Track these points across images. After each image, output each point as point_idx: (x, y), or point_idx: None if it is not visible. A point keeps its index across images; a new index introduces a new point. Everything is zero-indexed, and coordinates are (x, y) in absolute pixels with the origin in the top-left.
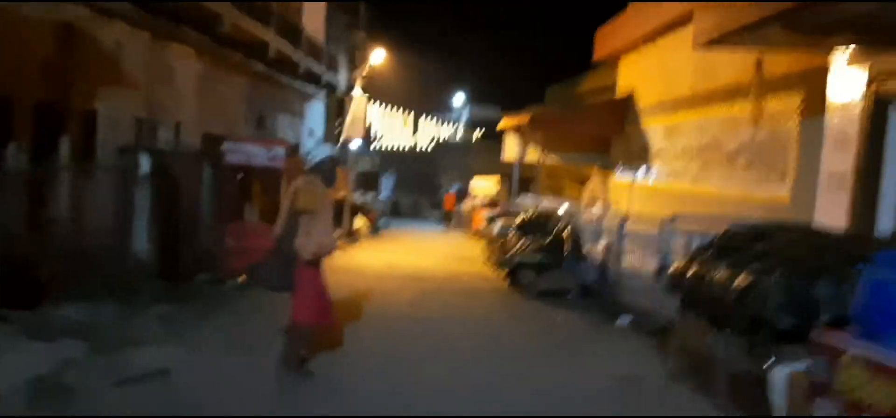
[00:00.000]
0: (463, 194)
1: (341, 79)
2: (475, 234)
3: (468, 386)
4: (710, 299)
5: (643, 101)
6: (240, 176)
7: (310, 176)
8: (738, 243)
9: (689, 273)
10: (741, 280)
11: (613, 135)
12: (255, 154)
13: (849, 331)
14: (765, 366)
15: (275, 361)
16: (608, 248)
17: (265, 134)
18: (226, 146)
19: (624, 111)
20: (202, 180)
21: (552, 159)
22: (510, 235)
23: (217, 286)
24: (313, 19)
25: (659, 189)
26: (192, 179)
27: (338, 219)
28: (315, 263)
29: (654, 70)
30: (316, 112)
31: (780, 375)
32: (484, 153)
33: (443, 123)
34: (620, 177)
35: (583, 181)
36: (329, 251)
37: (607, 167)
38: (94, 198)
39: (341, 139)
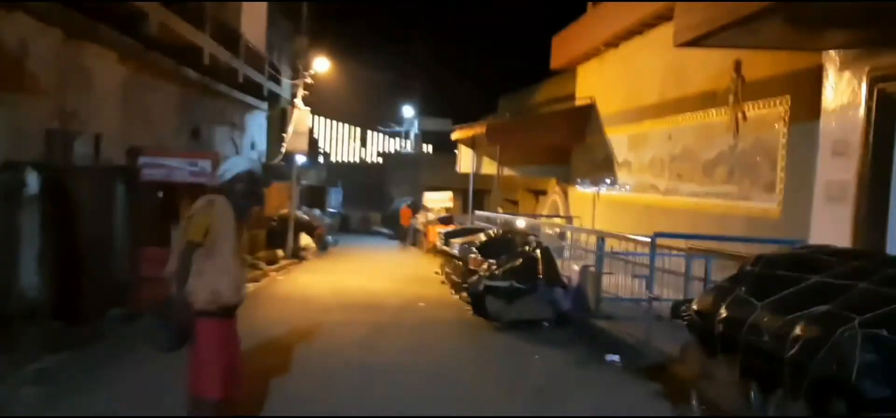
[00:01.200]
0: (416, 208)
1: (285, 90)
2: (430, 251)
3: None
4: (753, 350)
5: (605, 110)
6: (160, 194)
7: (213, 197)
8: (779, 275)
9: (719, 314)
10: (802, 330)
11: (573, 145)
12: (177, 168)
13: None
14: None
15: None
16: (584, 270)
17: (201, 147)
18: (142, 160)
19: (584, 120)
20: (115, 200)
21: (508, 171)
22: (473, 256)
23: (131, 323)
24: (253, 25)
25: (626, 201)
26: (102, 200)
27: (280, 238)
28: (216, 313)
29: (616, 77)
30: (258, 125)
31: None
32: (435, 166)
33: (392, 137)
34: (582, 190)
35: (539, 193)
36: (231, 297)
37: (566, 179)
38: None
39: (282, 152)
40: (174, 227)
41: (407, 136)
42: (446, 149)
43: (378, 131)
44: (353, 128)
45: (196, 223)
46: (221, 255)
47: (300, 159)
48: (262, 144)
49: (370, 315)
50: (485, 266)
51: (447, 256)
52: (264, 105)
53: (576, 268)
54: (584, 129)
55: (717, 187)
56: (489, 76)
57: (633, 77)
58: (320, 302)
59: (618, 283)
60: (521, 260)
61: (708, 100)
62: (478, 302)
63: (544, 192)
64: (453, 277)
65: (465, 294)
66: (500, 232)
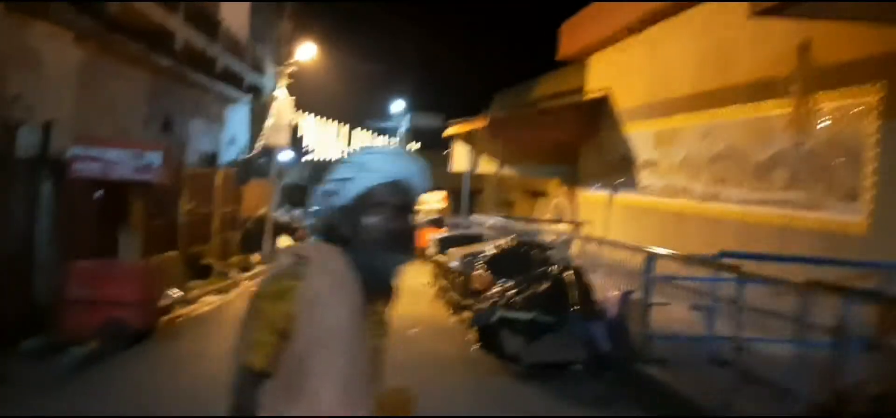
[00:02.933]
0: None
1: (269, 82)
2: (420, 257)
3: None
4: None
5: (624, 103)
6: (98, 194)
7: (305, 250)
8: None
9: None
10: None
11: (582, 143)
12: (116, 162)
13: None
14: None
15: None
16: (625, 298)
17: (173, 140)
18: (72, 152)
19: (596, 115)
20: (38, 201)
21: (508, 171)
22: (479, 272)
23: (51, 357)
24: (235, 12)
25: (650, 207)
26: (19, 200)
27: (256, 241)
28: None
29: (638, 66)
30: (239, 118)
31: None
32: (426, 164)
33: (380, 134)
34: (593, 192)
35: (537, 195)
36: None
37: (572, 180)
38: None
39: (259, 145)
40: (124, 235)
41: (395, 134)
42: (435, 146)
43: (366, 128)
44: (339, 125)
45: (257, 323)
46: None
47: (285, 156)
48: (243, 140)
49: None
50: (496, 288)
51: (441, 267)
52: (246, 98)
53: (612, 292)
54: (595, 125)
55: (775, 194)
56: (483, 72)
57: (661, 65)
58: None
59: (667, 313)
60: (547, 284)
61: (762, 89)
62: (489, 336)
63: (543, 194)
64: (452, 294)
65: (466, 316)
66: (513, 243)
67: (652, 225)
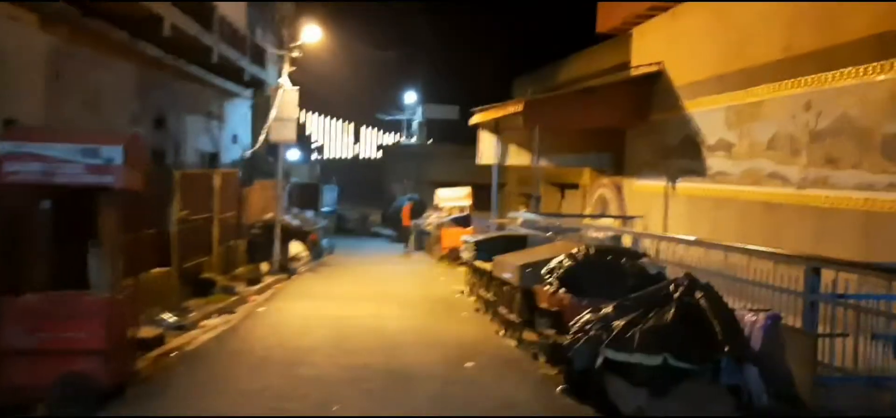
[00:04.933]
0: (421, 206)
1: (271, 76)
2: (445, 259)
3: None
4: None
5: (682, 78)
6: (44, 204)
7: None
8: None
9: None
10: None
11: (630, 126)
12: (63, 160)
13: None
14: None
15: None
16: (772, 327)
17: (166, 139)
18: (2, 148)
19: (646, 94)
20: None
21: (524, 162)
22: (547, 288)
23: None
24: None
25: (724, 197)
26: None
27: (264, 249)
28: None
29: (701, 33)
30: (241, 115)
31: None
32: (442, 158)
33: (391, 131)
34: (645, 183)
35: (566, 188)
36: None
37: (614, 169)
38: None
39: (260, 140)
40: (93, 257)
41: (408, 126)
42: (452, 139)
43: (374, 126)
44: (346, 123)
45: None
46: None
47: (292, 155)
48: (246, 137)
49: (395, 392)
50: (587, 315)
51: (480, 275)
52: (247, 92)
53: (750, 318)
54: (646, 105)
55: None
56: (499, 58)
57: (733, 29)
58: (315, 362)
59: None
60: (673, 311)
61: (890, 45)
62: (586, 381)
63: (574, 186)
64: (503, 311)
65: (527, 338)
66: (593, 251)
67: (728, 218)
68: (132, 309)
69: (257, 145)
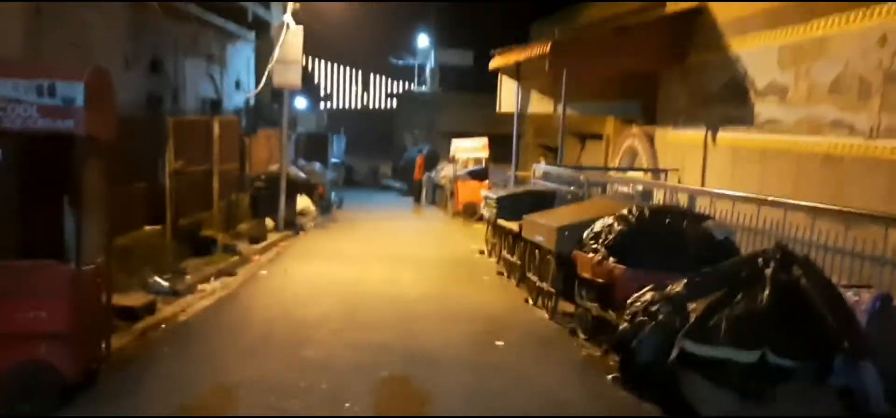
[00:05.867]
0: (434, 157)
1: (277, 17)
2: (461, 214)
3: None
4: None
5: (726, 13)
6: None
7: None
8: None
9: None
10: None
11: (664, 69)
12: (10, 100)
13: None
14: None
15: None
16: (881, 307)
17: (163, 85)
18: None
19: (683, 33)
20: None
21: (545, 110)
22: (593, 255)
23: None
24: None
25: (774, 149)
26: None
27: (269, 204)
28: None
29: None
30: (244, 59)
31: None
32: (456, 107)
33: (402, 79)
34: (681, 132)
35: (587, 138)
36: None
37: (647, 117)
38: None
39: (261, 83)
40: (69, 217)
41: (420, 73)
42: (466, 87)
43: (384, 74)
44: (354, 70)
45: None
46: None
47: (299, 103)
48: (249, 83)
49: (419, 384)
50: (648, 294)
51: (504, 235)
52: (251, 35)
53: (850, 297)
54: (684, 46)
55: None
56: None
57: None
58: (322, 340)
59: None
60: (769, 294)
61: None
62: (650, 375)
63: (596, 136)
64: (532, 278)
65: (560, 311)
66: (647, 212)
67: (780, 172)
68: (107, 279)
69: (258, 88)
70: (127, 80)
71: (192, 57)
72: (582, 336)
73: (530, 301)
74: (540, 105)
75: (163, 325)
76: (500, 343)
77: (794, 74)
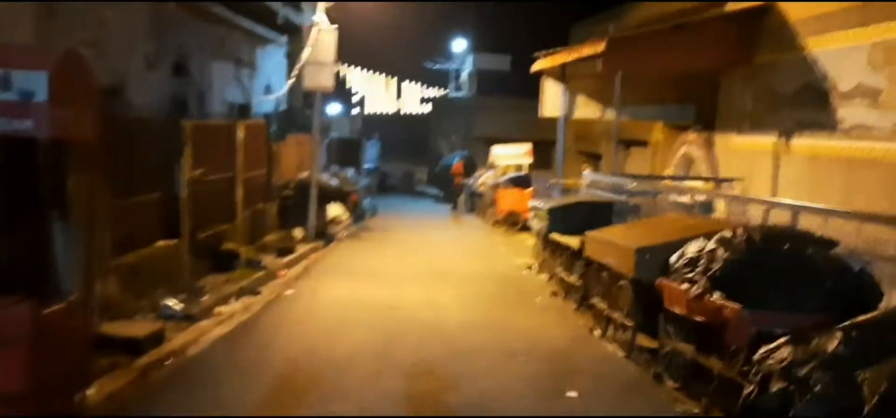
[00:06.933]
0: (471, 164)
1: (308, 20)
2: (501, 224)
3: None
4: None
5: (803, 10)
6: None
7: None
8: None
9: None
10: None
11: (726, 71)
12: None
13: None
14: None
15: None
16: None
17: (188, 88)
18: None
19: (751, 31)
20: None
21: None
22: (692, 287)
23: None
24: None
25: (864, 158)
26: None
27: (298, 214)
28: None
29: None
30: (275, 63)
31: None
32: (494, 112)
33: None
34: (747, 139)
35: (632, 144)
36: None
37: (705, 123)
38: None
39: (288, 83)
40: (60, 232)
41: (457, 77)
42: (504, 92)
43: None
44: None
45: None
46: None
47: (332, 108)
48: (280, 87)
49: None
50: (784, 350)
51: (558, 249)
52: (282, 39)
53: None
54: (749, 45)
55: None
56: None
57: None
58: (354, 387)
59: None
60: None
61: None
62: None
63: (642, 143)
64: (600, 305)
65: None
66: (759, 236)
67: (871, 183)
68: (87, 315)
69: (284, 89)
70: (148, 81)
71: (219, 59)
72: (671, 383)
73: (596, 331)
74: (586, 109)
75: (168, 361)
76: (572, 393)
77: (889, 76)
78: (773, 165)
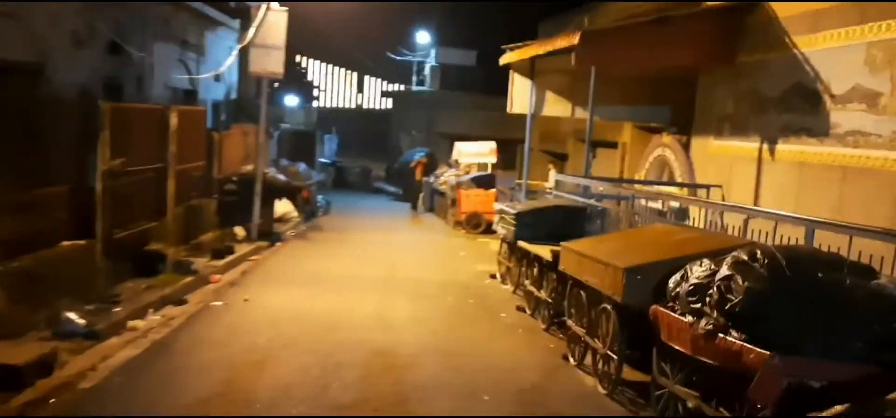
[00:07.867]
0: (433, 161)
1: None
2: (462, 225)
3: None
4: None
5: (793, 6)
6: None
7: None
8: None
9: None
10: None
11: (705, 70)
12: None
13: None
14: None
15: None
16: None
17: (125, 69)
18: None
19: (733, 28)
20: None
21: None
22: (700, 322)
23: None
24: None
25: (860, 166)
26: None
27: (240, 211)
28: None
29: None
30: (226, 48)
31: None
32: (456, 108)
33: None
34: (726, 143)
35: (599, 146)
36: None
37: (680, 126)
38: None
39: (226, 64)
40: None
41: (419, 71)
42: (468, 88)
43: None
44: (350, 72)
45: None
46: None
47: (290, 101)
48: (232, 75)
49: None
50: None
51: (526, 259)
52: (235, 23)
53: None
54: (731, 44)
55: None
56: None
57: None
58: None
59: None
60: None
61: None
62: None
63: (611, 145)
64: (576, 329)
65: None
66: (784, 259)
67: (867, 194)
68: None
69: (221, 70)
70: (77, 59)
71: (162, 41)
72: None
73: (571, 358)
74: (555, 107)
75: (53, 400)
76: None
77: (889, 78)
78: (754, 171)
